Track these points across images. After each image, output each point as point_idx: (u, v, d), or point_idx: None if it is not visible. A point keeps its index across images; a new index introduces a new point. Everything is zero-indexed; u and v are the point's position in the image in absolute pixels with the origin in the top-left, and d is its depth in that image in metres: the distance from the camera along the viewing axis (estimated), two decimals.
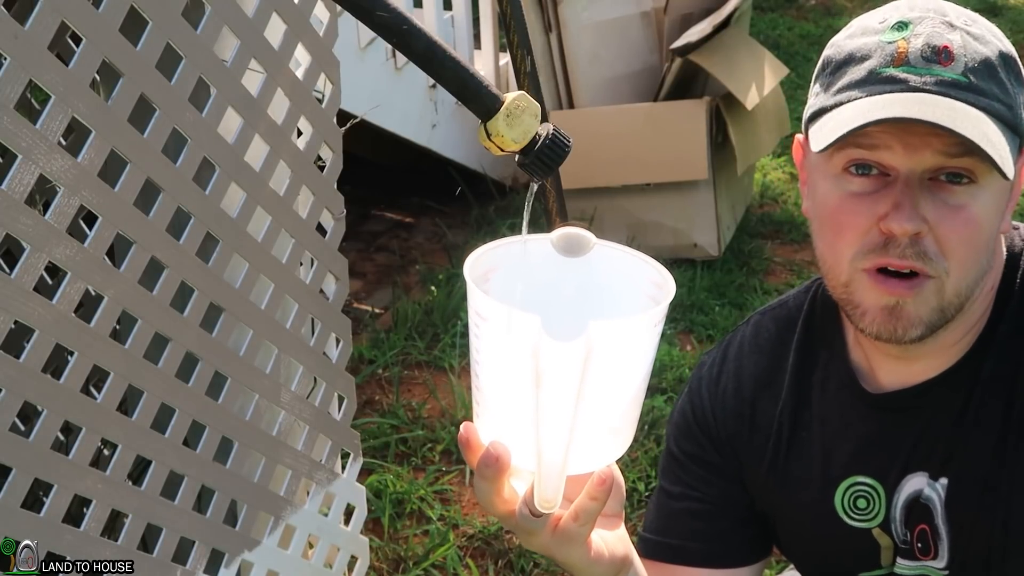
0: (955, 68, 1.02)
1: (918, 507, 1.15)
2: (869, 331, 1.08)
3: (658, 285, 0.85)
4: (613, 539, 0.94)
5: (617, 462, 0.88)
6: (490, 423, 0.84)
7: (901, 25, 1.05)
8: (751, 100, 3.58)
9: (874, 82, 1.04)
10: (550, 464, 0.80)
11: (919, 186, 1.03)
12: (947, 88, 1.02)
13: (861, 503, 1.19)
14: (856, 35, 1.09)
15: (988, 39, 1.06)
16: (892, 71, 1.03)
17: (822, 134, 1.06)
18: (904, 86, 1.02)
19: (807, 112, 1.12)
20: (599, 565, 0.91)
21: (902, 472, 1.16)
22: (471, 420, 0.87)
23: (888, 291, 1.05)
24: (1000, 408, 1.11)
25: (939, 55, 1.03)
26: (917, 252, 1.03)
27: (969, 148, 0.99)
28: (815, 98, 1.11)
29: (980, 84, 1.02)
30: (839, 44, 1.10)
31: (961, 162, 1.02)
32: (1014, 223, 1.17)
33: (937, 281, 1.04)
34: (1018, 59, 1.09)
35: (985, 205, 1.04)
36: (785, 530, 1.27)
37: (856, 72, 1.06)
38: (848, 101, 1.05)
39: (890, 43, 1.05)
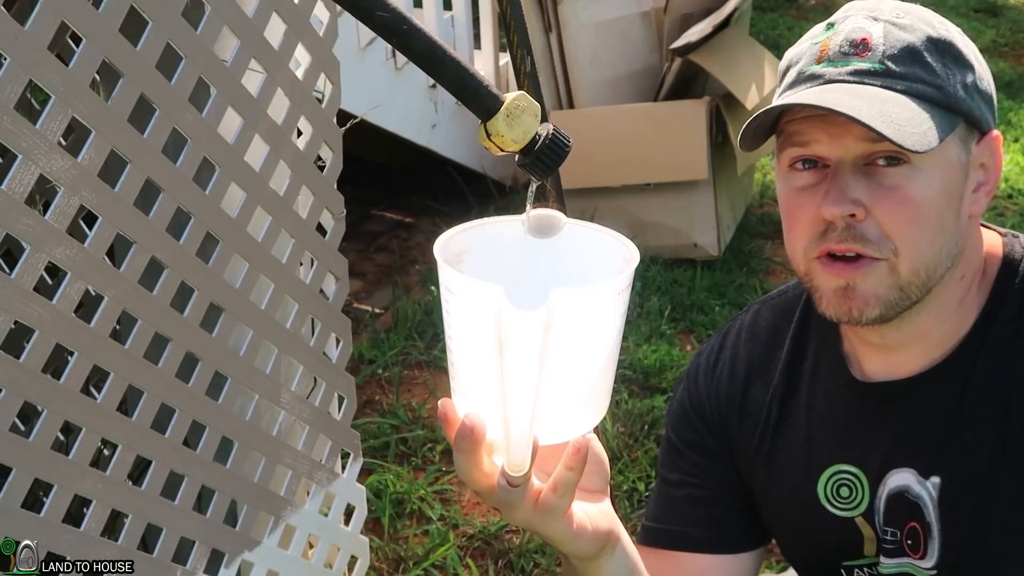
0: (872, 57, 1.07)
1: (906, 503, 1.16)
2: (828, 314, 1.11)
3: (627, 260, 0.87)
4: (596, 513, 0.94)
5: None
6: (465, 397, 0.86)
7: (829, 26, 1.12)
8: (751, 100, 3.58)
9: (800, 81, 1.10)
10: (517, 430, 0.81)
11: (851, 172, 1.07)
12: (861, 76, 1.06)
13: (844, 491, 1.20)
14: (801, 42, 1.15)
15: (916, 27, 1.09)
16: (813, 68, 1.09)
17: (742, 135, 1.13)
18: (821, 80, 1.08)
19: None
20: (582, 539, 0.92)
21: (886, 465, 1.17)
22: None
23: (836, 273, 1.09)
24: (997, 410, 1.11)
25: (856, 47, 1.08)
26: (855, 235, 1.06)
27: (867, 129, 1.02)
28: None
29: (899, 69, 1.06)
30: (787, 54, 1.16)
31: (886, 146, 1.05)
32: (1015, 232, 1.19)
33: (887, 263, 1.07)
34: (956, 43, 1.11)
35: (925, 185, 1.06)
36: (771, 516, 1.29)
37: (790, 75, 1.12)
38: (781, 103, 1.10)
39: (815, 44, 1.11)
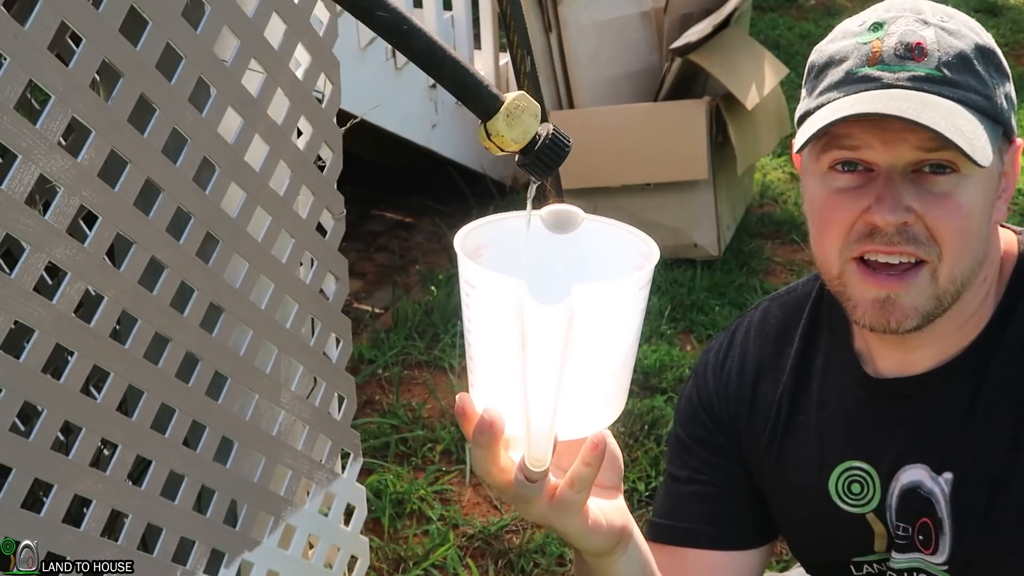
0: (928, 63, 1.05)
1: (918, 499, 1.16)
2: (863, 323, 1.11)
3: (644, 255, 0.87)
4: (611, 509, 0.95)
5: None
6: (483, 392, 0.86)
7: (876, 26, 1.09)
8: (751, 100, 3.58)
9: (851, 82, 1.07)
10: (539, 424, 0.82)
11: (901, 179, 1.06)
12: (920, 83, 1.05)
13: (855, 488, 1.20)
14: (836, 39, 1.12)
15: (964, 33, 1.08)
16: (867, 70, 1.07)
17: (802, 135, 1.10)
18: (878, 83, 1.06)
19: (796, 117, 1.16)
20: (597, 534, 0.92)
21: (899, 461, 1.17)
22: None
23: (878, 285, 1.08)
24: (1011, 409, 1.12)
25: (912, 52, 1.06)
26: (905, 238, 1.06)
27: (945, 141, 1.01)
28: (802, 102, 1.15)
29: (954, 77, 1.05)
30: (821, 49, 1.14)
31: (940, 155, 1.04)
32: None
33: (930, 266, 1.06)
34: (997, 51, 1.11)
35: (972, 193, 1.06)
36: (780, 513, 1.29)
37: (835, 74, 1.09)
38: (828, 103, 1.08)
39: (865, 44, 1.08)
